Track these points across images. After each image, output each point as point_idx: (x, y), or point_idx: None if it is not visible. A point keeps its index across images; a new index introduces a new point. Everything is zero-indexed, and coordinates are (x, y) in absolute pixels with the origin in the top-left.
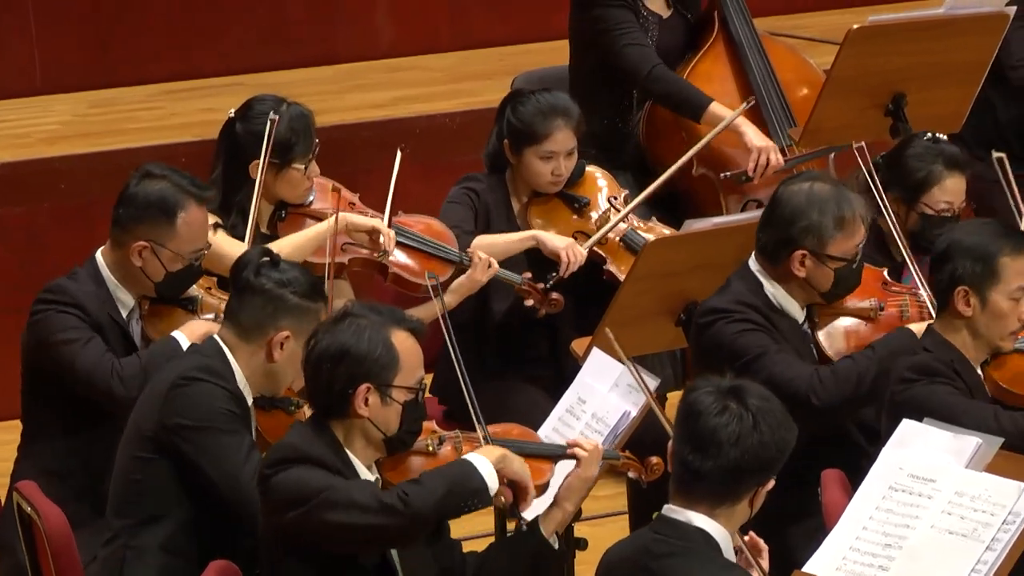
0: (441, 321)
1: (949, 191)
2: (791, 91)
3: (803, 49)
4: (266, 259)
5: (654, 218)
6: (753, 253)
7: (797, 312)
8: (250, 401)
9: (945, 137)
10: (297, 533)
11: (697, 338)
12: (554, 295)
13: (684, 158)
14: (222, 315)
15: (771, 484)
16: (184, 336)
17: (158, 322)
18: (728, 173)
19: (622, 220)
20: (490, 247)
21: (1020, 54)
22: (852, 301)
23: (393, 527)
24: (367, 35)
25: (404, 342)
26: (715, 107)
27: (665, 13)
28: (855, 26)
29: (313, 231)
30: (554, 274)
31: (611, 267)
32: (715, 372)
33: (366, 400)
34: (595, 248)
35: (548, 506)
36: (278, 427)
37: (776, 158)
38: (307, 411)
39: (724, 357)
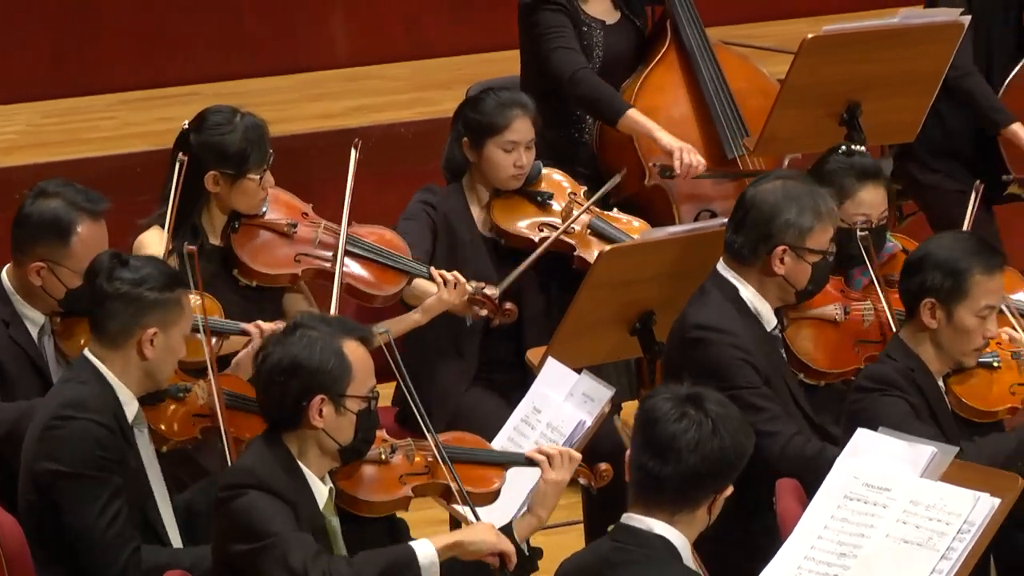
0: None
1: (864, 203)
2: (744, 100)
3: (757, 58)
4: (114, 261)
5: (615, 209)
6: (722, 259)
7: (770, 316)
8: (131, 413)
9: (862, 148)
10: (240, 567)
11: (682, 350)
12: (507, 305)
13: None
14: None
15: (729, 490)
16: None
17: (71, 337)
18: (657, 163)
19: (586, 211)
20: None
21: (961, 61)
22: (817, 307)
23: None
24: (325, 45)
25: (355, 351)
26: (633, 113)
27: (611, 18)
28: (810, 35)
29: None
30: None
31: (581, 253)
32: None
33: (320, 411)
34: (563, 238)
35: (523, 513)
36: (173, 417)
37: (697, 159)
38: (199, 392)
39: (708, 375)
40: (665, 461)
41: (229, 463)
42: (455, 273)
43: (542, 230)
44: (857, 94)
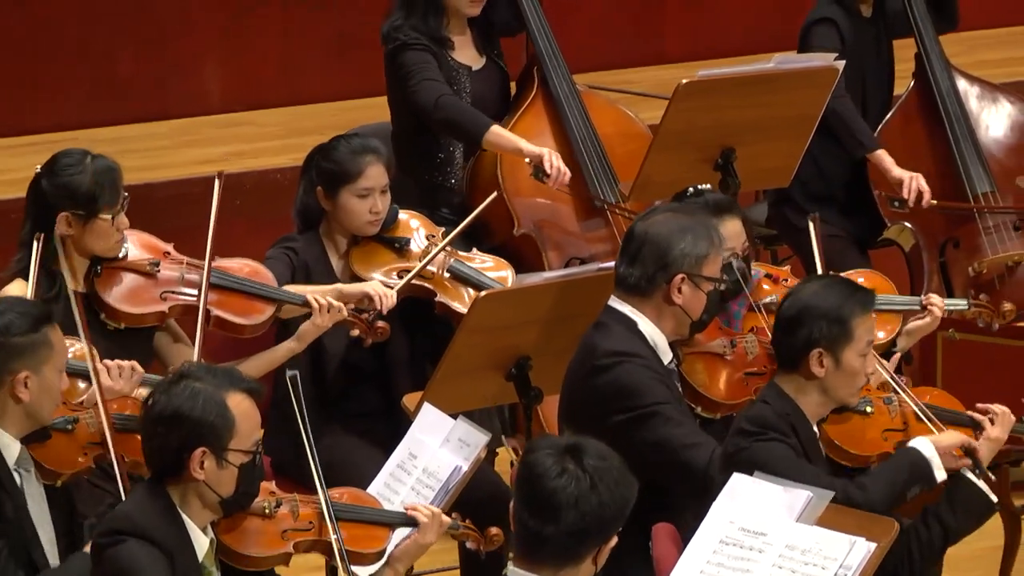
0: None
1: (727, 237)
2: (612, 146)
3: (630, 104)
4: None
5: (474, 249)
6: (614, 295)
7: (667, 349)
8: (12, 457)
9: (707, 186)
10: None
11: (590, 380)
12: (379, 324)
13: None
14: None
15: (614, 541)
16: None
17: None
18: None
19: (442, 251)
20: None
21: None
22: (706, 342)
23: None
24: (199, 90)
25: (240, 404)
26: (496, 129)
27: (476, 64)
28: (684, 81)
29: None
30: (368, 313)
31: (442, 299)
32: (597, 415)
33: (202, 463)
34: (422, 284)
35: (381, 566)
36: (63, 450)
37: (561, 166)
38: (88, 421)
39: (619, 398)
40: (545, 519)
41: (121, 489)
42: (329, 298)
43: (400, 276)
44: (731, 139)
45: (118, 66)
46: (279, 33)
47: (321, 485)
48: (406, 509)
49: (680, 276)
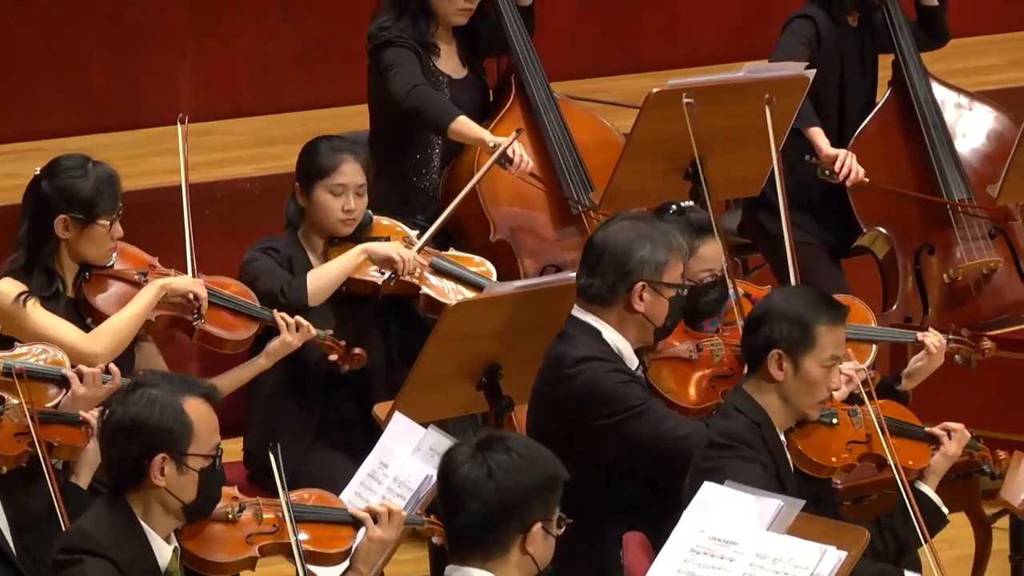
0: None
1: (707, 259)
2: (589, 154)
3: (604, 113)
4: None
5: (451, 248)
6: (576, 305)
7: (632, 356)
8: None
9: (691, 203)
10: None
11: (560, 387)
12: (356, 350)
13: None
14: None
15: (537, 527)
16: None
17: None
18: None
19: (424, 246)
20: (323, 275)
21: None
22: (672, 347)
23: None
24: (170, 99)
25: (197, 409)
26: (463, 120)
27: (458, 74)
28: (654, 90)
29: (138, 304)
30: (391, 275)
31: (427, 290)
32: (576, 420)
33: (162, 470)
34: (407, 279)
35: (345, 570)
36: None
37: (523, 154)
38: (11, 414)
39: (597, 403)
40: (454, 512)
41: (49, 477)
42: (297, 317)
43: (382, 272)
44: (702, 148)
45: (90, 75)
46: (250, 43)
47: (283, 486)
48: (352, 511)
49: (640, 284)
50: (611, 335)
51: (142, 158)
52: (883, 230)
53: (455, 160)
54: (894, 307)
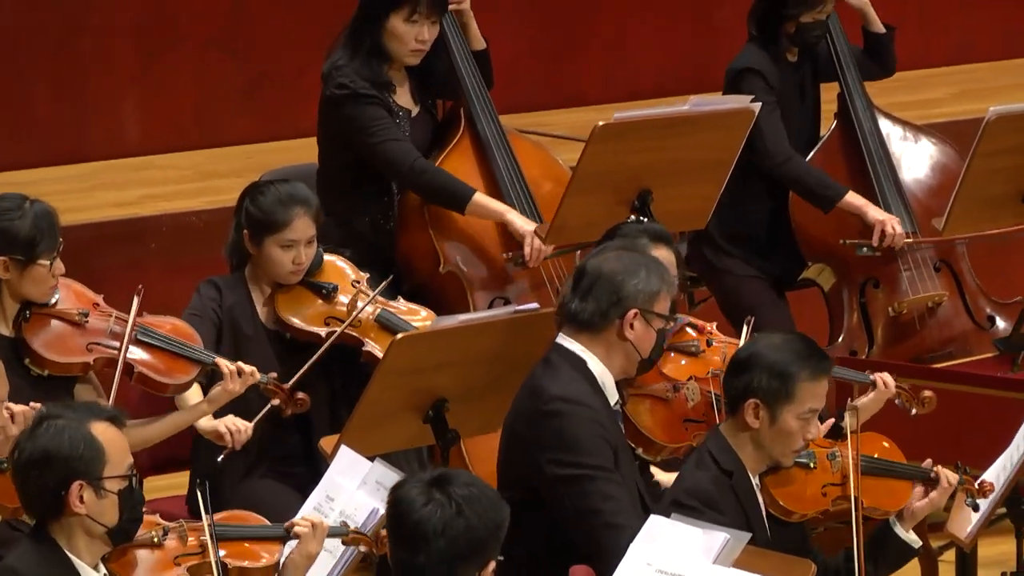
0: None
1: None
2: (538, 187)
3: (550, 146)
4: None
5: (400, 298)
6: (563, 332)
7: (614, 389)
8: None
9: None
10: None
11: (536, 421)
12: (299, 395)
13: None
14: None
15: (492, 566)
16: None
17: None
18: (508, 255)
19: (371, 302)
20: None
21: (778, 148)
22: (650, 384)
23: None
24: (114, 133)
25: (106, 432)
26: (479, 197)
27: (413, 109)
28: (600, 123)
29: None
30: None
31: (370, 347)
32: (535, 461)
33: (81, 497)
34: (350, 332)
35: None
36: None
37: (540, 243)
38: None
39: (560, 448)
40: (415, 551)
41: None
42: (239, 363)
43: (328, 323)
44: (648, 181)
45: (34, 107)
46: (194, 77)
47: (206, 508)
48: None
49: (633, 311)
50: (596, 366)
51: (86, 192)
52: (826, 265)
53: (405, 192)
54: (839, 340)
